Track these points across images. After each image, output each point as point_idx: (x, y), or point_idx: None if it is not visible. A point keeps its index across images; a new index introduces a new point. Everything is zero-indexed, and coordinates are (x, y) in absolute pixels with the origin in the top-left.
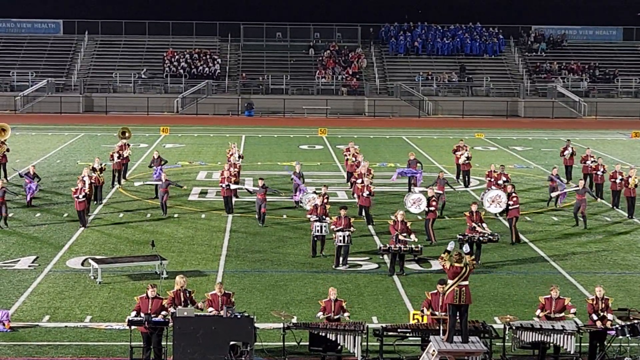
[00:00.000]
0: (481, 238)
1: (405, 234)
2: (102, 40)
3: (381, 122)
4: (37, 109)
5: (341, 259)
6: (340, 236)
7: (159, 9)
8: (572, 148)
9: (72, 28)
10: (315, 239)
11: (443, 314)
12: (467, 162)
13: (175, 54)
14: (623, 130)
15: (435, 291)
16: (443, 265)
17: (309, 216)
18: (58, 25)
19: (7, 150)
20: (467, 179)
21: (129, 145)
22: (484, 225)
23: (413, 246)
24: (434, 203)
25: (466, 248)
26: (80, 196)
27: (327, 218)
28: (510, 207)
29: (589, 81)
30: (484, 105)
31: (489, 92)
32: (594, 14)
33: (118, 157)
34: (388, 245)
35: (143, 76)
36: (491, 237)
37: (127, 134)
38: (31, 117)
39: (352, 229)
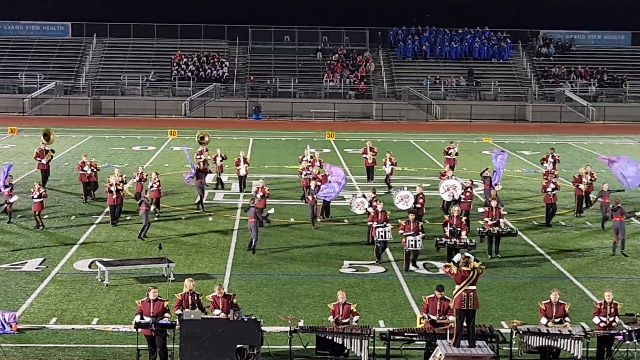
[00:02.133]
0: (500, 231)
1: (459, 229)
2: (111, 42)
3: (389, 126)
4: (45, 111)
5: (410, 263)
6: (411, 241)
7: (167, 12)
8: (555, 157)
9: (81, 31)
10: (378, 244)
11: (441, 317)
12: (455, 157)
13: (184, 56)
14: (631, 135)
15: (432, 295)
16: (449, 272)
17: (370, 223)
18: (66, 28)
19: (51, 157)
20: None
21: (207, 150)
22: (502, 220)
23: (467, 241)
24: (420, 200)
25: (457, 257)
26: (114, 190)
27: (388, 224)
28: (462, 201)
29: (597, 86)
30: (491, 109)
31: (497, 96)
32: (602, 18)
33: (203, 160)
34: (444, 240)
35: (151, 79)
36: (510, 231)
37: (205, 139)
38: (39, 119)
39: (421, 233)
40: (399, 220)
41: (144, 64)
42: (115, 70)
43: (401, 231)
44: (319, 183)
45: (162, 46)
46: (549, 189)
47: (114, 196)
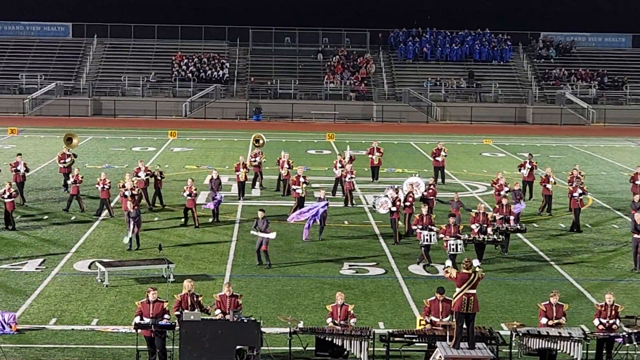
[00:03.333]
0: (509, 228)
1: (485, 225)
2: (111, 43)
3: (389, 128)
4: (46, 111)
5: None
6: (452, 245)
7: (168, 13)
8: (532, 163)
9: (81, 31)
10: (424, 248)
11: (446, 319)
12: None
13: (184, 57)
14: (631, 138)
15: (434, 298)
16: (449, 277)
17: (414, 227)
18: (67, 28)
19: (72, 162)
20: (442, 175)
21: (262, 153)
22: (512, 217)
23: (495, 237)
24: (398, 203)
25: (447, 262)
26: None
27: (434, 227)
28: (407, 205)
29: (597, 88)
30: (492, 111)
31: (498, 98)
32: (603, 21)
33: (257, 165)
34: (472, 236)
35: (151, 80)
36: (519, 227)
37: (260, 141)
38: (39, 120)
39: (461, 237)
40: (441, 226)
41: (144, 65)
42: (116, 71)
43: (441, 235)
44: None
45: (162, 47)
46: (575, 194)
47: (129, 201)
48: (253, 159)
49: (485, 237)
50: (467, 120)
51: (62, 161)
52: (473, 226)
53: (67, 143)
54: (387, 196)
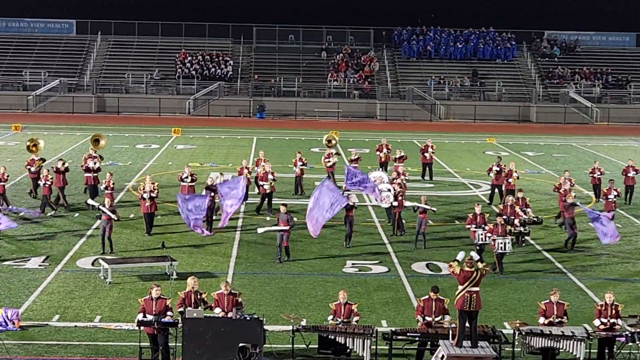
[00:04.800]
0: (526, 219)
1: (512, 217)
2: (115, 40)
3: (393, 126)
4: (50, 108)
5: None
6: (501, 243)
7: (171, 10)
8: (500, 166)
9: (85, 28)
10: (478, 247)
11: (437, 318)
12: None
13: (188, 55)
14: (635, 137)
15: (427, 297)
16: (452, 272)
17: (468, 226)
18: (71, 26)
19: (40, 167)
20: (430, 172)
21: (337, 153)
22: (529, 210)
23: (521, 228)
24: (400, 198)
25: (475, 255)
26: (147, 197)
27: (486, 226)
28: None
29: (601, 87)
30: (496, 110)
31: (501, 97)
32: (607, 20)
33: (332, 164)
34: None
35: (155, 77)
36: (535, 219)
37: (332, 142)
38: (43, 117)
39: (508, 237)
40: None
41: (148, 62)
42: (120, 68)
43: (489, 234)
44: None
45: (166, 44)
46: (610, 196)
47: (148, 204)
48: (327, 160)
49: (512, 228)
50: (470, 118)
51: (29, 167)
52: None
53: (94, 144)
54: (389, 190)
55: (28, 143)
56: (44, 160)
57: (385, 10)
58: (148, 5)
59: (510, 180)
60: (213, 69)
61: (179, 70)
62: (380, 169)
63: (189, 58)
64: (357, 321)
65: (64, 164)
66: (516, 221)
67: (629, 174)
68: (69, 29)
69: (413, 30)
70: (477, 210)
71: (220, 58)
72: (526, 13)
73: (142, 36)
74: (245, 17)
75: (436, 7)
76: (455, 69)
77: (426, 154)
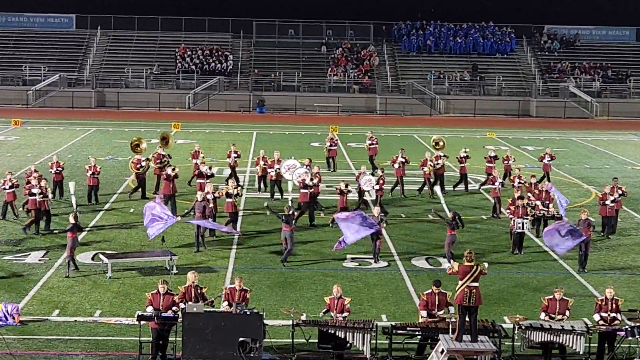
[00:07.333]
0: (546, 214)
1: (547, 202)
2: (115, 35)
3: (393, 120)
4: (49, 103)
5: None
6: (519, 223)
7: (171, 4)
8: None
9: (85, 23)
10: (518, 236)
11: (440, 312)
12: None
13: (188, 49)
14: (635, 131)
15: (430, 291)
16: (452, 272)
17: (510, 216)
18: (71, 20)
19: (148, 167)
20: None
21: (445, 156)
22: (549, 203)
23: (554, 212)
24: (381, 182)
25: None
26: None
27: (527, 217)
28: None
29: (601, 81)
30: (495, 104)
31: (501, 91)
32: (607, 14)
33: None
34: (534, 212)
35: (155, 72)
36: (555, 214)
37: (440, 143)
38: (43, 112)
39: (528, 217)
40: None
41: (148, 57)
42: (119, 63)
43: (510, 215)
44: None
45: (166, 39)
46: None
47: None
48: (436, 162)
49: (546, 212)
50: (470, 113)
51: (157, 162)
52: (537, 202)
53: (162, 143)
54: (372, 174)
55: (160, 137)
56: (170, 157)
57: (385, 4)
58: None
59: (425, 169)
60: (213, 64)
61: (179, 64)
62: (291, 158)
63: (189, 53)
64: (344, 317)
65: (174, 169)
66: (551, 206)
67: (544, 160)
68: (68, 23)
69: (413, 25)
70: (516, 195)
71: (220, 53)
72: (526, 7)
73: (141, 31)
74: (245, 12)
75: (436, 2)
76: (455, 64)
77: (372, 145)
